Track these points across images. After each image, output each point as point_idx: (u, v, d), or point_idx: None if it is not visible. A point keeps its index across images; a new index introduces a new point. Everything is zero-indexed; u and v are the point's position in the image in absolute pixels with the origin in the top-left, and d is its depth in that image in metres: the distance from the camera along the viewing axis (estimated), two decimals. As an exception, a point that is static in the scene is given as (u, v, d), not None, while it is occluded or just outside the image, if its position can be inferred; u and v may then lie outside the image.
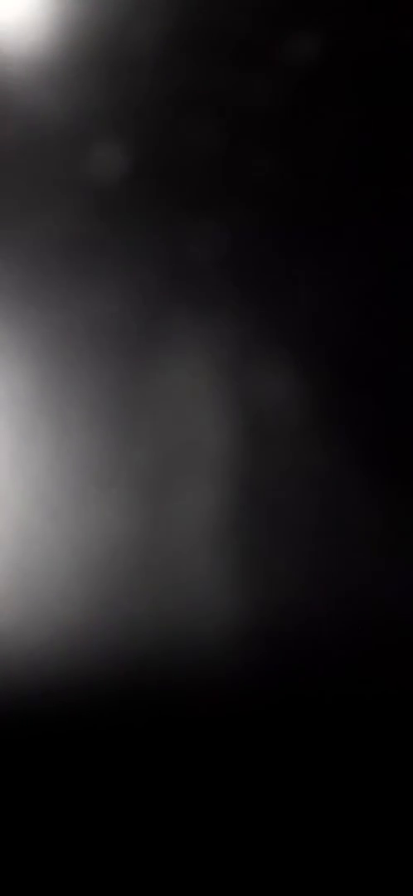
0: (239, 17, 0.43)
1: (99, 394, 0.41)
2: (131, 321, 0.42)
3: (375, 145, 0.43)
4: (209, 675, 0.40)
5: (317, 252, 0.42)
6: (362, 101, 0.43)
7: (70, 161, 0.42)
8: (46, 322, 0.42)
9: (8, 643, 0.40)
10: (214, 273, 0.42)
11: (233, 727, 0.40)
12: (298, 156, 0.43)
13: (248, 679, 0.40)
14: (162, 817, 0.40)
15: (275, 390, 0.41)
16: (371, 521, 0.41)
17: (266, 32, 0.43)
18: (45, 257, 0.42)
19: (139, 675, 0.40)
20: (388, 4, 0.44)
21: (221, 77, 0.43)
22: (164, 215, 0.42)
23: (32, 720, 0.40)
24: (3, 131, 0.43)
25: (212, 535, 0.41)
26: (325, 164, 0.43)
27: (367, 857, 0.40)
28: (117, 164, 0.43)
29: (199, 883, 0.40)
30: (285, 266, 0.42)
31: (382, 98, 0.43)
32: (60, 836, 0.40)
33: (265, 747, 0.40)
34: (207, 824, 0.40)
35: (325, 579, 0.40)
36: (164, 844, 0.40)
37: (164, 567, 0.40)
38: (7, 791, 0.40)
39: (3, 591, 0.40)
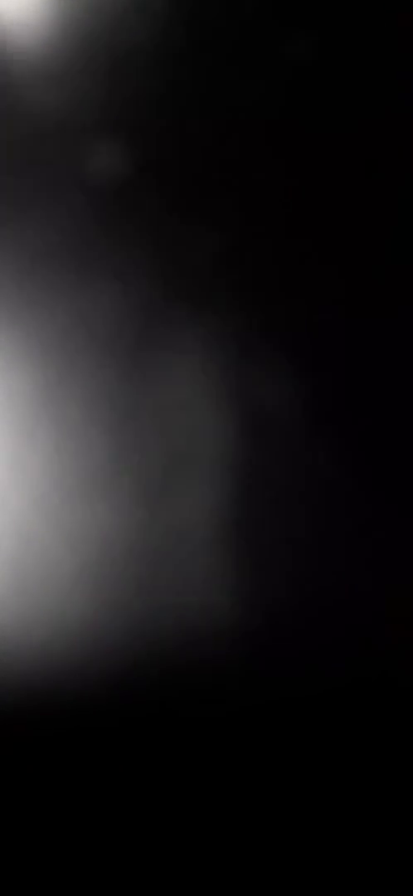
0: (238, 18, 0.43)
1: (98, 394, 0.41)
2: (130, 322, 0.42)
3: (375, 147, 0.43)
4: (208, 673, 0.40)
5: (316, 253, 0.42)
6: (361, 101, 0.43)
7: (69, 161, 0.42)
8: (46, 322, 0.42)
9: (8, 643, 0.40)
10: (213, 274, 0.42)
11: (232, 725, 0.40)
12: (297, 157, 0.43)
13: (247, 678, 0.40)
14: (161, 815, 0.40)
15: (273, 392, 0.41)
16: (370, 522, 0.41)
17: (265, 33, 0.43)
18: (44, 257, 0.42)
19: (138, 674, 0.40)
20: (387, 4, 0.44)
21: (220, 77, 0.43)
22: (163, 216, 0.42)
23: (32, 719, 0.40)
24: (2, 131, 0.43)
25: (211, 535, 0.41)
26: (324, 165, 0.43)
27: (360, 855, 0.40)
28: (116, 165, 0.43)
29: (198, 880, 0.40)
30: (284, 267, 0.42)
31: (381, 98, 0.43)
32: (61, 834, 0.40)
33: (264, 745, 0.40)
34: (206, 821, 0.40)
35: (324, 579, 0.40)
36: (163, 842, 0.40)
37: (164, 567, 0.41)
38: (7, 789, 0.40)
39: (3, 591, 0.40)
